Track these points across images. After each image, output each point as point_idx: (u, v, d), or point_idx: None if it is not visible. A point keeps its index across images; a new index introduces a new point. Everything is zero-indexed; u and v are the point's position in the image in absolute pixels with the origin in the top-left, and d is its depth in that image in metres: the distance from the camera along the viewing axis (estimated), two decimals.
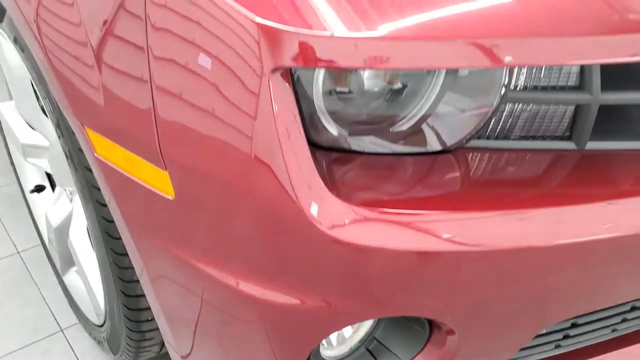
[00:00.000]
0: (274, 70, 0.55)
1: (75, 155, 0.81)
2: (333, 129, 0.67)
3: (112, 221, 0.82)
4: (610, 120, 0.77)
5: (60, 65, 0.73)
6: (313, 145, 0.67)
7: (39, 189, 1.35)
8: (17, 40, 0.86)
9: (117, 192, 0.72)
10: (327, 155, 0.68)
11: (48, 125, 1.06)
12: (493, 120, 0.71)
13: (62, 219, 1.15)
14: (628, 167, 0.77)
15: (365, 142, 0.69)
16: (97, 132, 0.69)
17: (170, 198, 0.65)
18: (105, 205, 0.81)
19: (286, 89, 0.58)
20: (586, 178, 0.74)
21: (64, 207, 1.16)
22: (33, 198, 1.38)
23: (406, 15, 0.56)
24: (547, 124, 0.73)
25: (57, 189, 1.18)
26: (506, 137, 0.73)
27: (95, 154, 0.70)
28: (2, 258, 1.51)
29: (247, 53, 0.56)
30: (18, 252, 1.53)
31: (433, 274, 0.64)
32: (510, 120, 0.72)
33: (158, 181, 0.65)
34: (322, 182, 0.62)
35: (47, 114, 0.85)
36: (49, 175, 1.39)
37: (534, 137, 0.74)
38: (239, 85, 0.57)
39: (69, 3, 0.72)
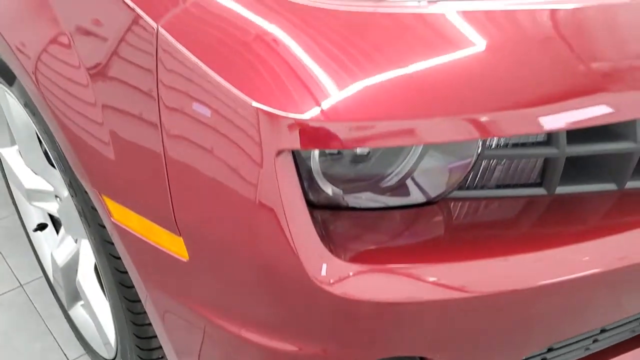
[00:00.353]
0: (278, 154, 0.62)
1: (89, 212, 0.87)
2: (329, 189, 0.74)
3: (125, 272, 0.88)
4: (577, 165, 0.85)
5: (76, 135, 0.79)
6: (312, 204, 0.74)
7: (42, 227, 1.40)
8: (27, 105, 0.92)
9: (133, 253, 0.78)
10: (324, 213, 0.75)
11: (57, 176, 1.11)
12: (471, 174, 0.79)
13: (68, 259, 1.21)
14: (594, 206, 0.85)
15: (363, 198, 0.76)
16: (115, 200, 0.75)
17: (185, 260, 0.72)
18: (118, 258, 0.88)
19: (289, 165, 0.65)
20: (557, 218, 0.82)
21: (69, 247, 1.22)
22: (36, 235, 1.44)
23: (399, 97, 0.64)
24: (520, 174, 0.81)
25: (62, 230, 1.24)
26: (484, 187, 0.81)
27: (112, 219, 0.77)
28: (6, 292, 1.56)
29: (250, 136, 0.63)
30: (21, 285, 1.58)
31: (425, 320, 0.72)
32: (486, 173, 0.80)
33: (173, 245, 0.72)
34: (320, 241, 0.69)
35: (60, 173, 0.91)
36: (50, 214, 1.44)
37: (508, 186, 0.82)
38: (246, 164, 0.64)
39: (82, 80, 0.79)
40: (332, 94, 0.62)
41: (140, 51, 0.69)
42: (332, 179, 0.74)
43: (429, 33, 0.68)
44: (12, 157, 1.28)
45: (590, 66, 0.71)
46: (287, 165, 0.65)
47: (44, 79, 0.86)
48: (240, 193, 0.66)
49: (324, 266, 0.68)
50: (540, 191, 0.82)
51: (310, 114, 0.61)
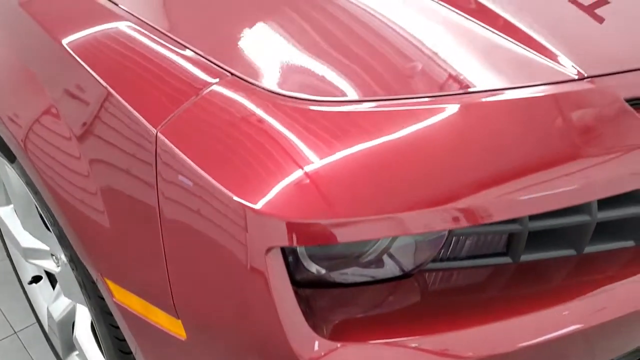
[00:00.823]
0: (267, 251, 0.69)
1: (89, 285, 0.93)
2: (313, 269, 0.81)
3: (123, 340, 0.94)
4: (539, 233, 0.93)
5: (78, 220, 0.85)
6: (297, 282, 0.81)
7: (36, 279, 1.45)
8: (29, 183, 0.98)
9: (133, 329, 0.85)
10: (308, 291, 0.82)
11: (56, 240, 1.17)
12: (443, 249, 0.86)
13: (64, 314, 1.26)
14: (556, 269, 0.94)
15: (348, 273, 0.83)
16: (116, 283, 0.81)
17: (183, 339, 0.79)
18: (117, 327, 0.94)
19: (277, 256, 0.71)
20: (523, 281, 0.90)
21: (65, 302, 1.27)
22: (31, 287, 1.48)
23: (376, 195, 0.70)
24: (488, 245, 0.89)
25: (58, 286, 1.29)
26: (455, 258, 0.88)
27: (114, 299, 0.83)
28: (0, 340, 1.61)
29: (241, 233, 0.70)
30: (15, 333, 1.62)
31: None
32: (457, 246, 0.87)
33: (172, 326, 0.79)
34: (304, 321, 0.75)
35: (61, 248, 0.97)
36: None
37: (477, 256, 0.90)
38: (237, 257, 0.71)
39: (83, 169, 0.85)
40: (323, 193, 0.69)
41: (140, 152, 0.75)
42: (315, 258, 0.81)
43: (401, 131, 0.75)
44: (8, 216, 1.33)
45: (558, 155, 0.79)
46: (275, 256, 0.72)
47: (42, 158, 0.91)
48: (232, 282, 0.73)
49: (310, 344, 0.75)
50: (506, 260, 0.90)
51: (301, 215, 0.68)
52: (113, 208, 0.81)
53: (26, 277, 1.47)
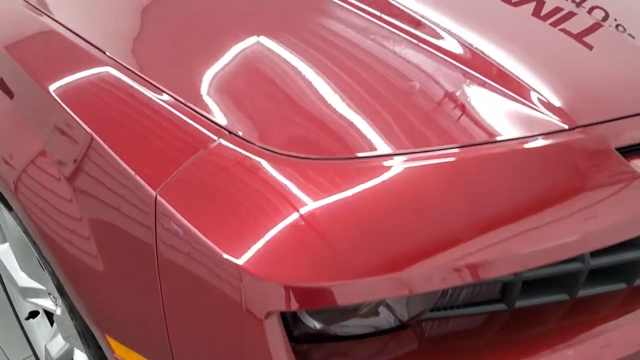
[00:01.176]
0: (267, 316, 0.70)
1: (88, 334, 0.94)
2: (311, 323, 0.82)
3: None
4: (533, 281, 0.94)
5: (77, 275, 0.86)
6: (294, 337, 0.82)
7: (33, 314, 1.45)
8: (26, 232, 0.99)
9: None
10: (306, 346, 0.82)
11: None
12: (440, 299, 0.87)
13: (62, 352, 1.27)
14: (550, 311, 0.95)
15: (347, 326, 0.84)
16: (117, 341, 0.82)
17: None
18: None
19: (276, 319, 0.72)
20: (518, 324, 0.91)
21: (63, 340, 1.27)
22: (28, 322, 1.48)
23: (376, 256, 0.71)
24: (483, 294, 0.90)
25: (56, 324, 1.30)
26: (451, 307, 0.90)
27: (114, 355, 0.84)
28: None
29: (240, 297, 0.70)
30: None
31: None
32: (453, 296, 0.88)
33: None
34: None
35: (60, 297, 0.98)
36: None
37: (472, 304, 0.91)
38: (236, 318, 0.72)
39: (83, 230, 0.86)
40: (325, 255, 0.69)
41: (139, 214, 0.76)
42: (312, 313, 0.82)
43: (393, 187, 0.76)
44: (4, 254, 1.33)
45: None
46: (273, 317, 0.73)
47: (37, 204, 0.92)
48: (230, 341, 0.74)
49: None
50: (501, 307, 0.91)
51: (302, 278, 0.69)
52: (113, 270, 0.81)
53: (23, 313, 1.47)
